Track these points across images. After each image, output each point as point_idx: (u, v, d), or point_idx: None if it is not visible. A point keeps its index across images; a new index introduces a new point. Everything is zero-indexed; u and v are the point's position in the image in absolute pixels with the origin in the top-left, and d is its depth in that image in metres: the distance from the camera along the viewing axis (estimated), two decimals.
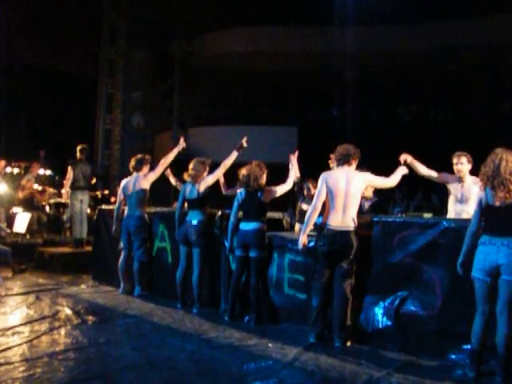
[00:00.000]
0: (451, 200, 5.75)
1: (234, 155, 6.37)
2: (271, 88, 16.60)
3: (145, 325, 5.51)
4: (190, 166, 6.35)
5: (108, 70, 18.03)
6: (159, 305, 6.42)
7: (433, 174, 5.70)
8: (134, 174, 7.15)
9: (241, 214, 5.85)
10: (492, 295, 3.91)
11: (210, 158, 6.64)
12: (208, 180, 6.31)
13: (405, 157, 5.47)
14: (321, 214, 4.97)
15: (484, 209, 4.00)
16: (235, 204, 5.86)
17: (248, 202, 5.75)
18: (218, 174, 6.38)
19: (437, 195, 10.19)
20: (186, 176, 6.40)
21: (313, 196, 6.55)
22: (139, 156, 7.28)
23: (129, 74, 17.87)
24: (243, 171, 5.80)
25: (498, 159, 3.93)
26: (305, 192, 6.73)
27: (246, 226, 5.70)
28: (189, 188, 6.34)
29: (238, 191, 5.90)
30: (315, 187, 6.54)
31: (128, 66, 17.85)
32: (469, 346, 4.08)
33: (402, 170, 5.27)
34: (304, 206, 6.58)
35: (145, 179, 7.07)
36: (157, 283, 7.05)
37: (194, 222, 6.21)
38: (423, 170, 5.67)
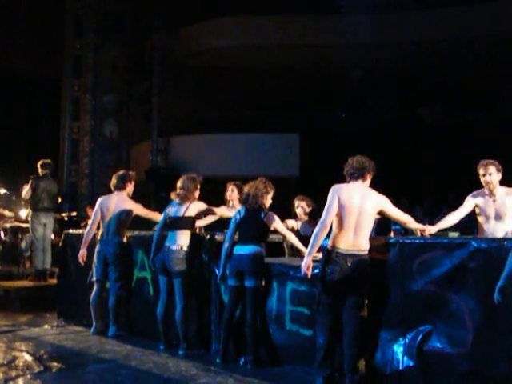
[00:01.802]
0: (481, 219, 5.82)
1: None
2: (268, 88, 16.68)
3: (121, 371, 5.51)
4: (179, 185, 6.43)
5: (73, 70, 18.09)
6: (138, 346, 6.43)
7: (462, 212, 5.77)
8: (116, 192, 7.20)
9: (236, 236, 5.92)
10: None
11: (201, 175, 6.74)
12: (202, 208, 6.41)
13: (428, 232, 5.50)
14: (327, 236, 5.02)
15: None
16: (232, 224, 5.94)
17: (247, 222, 5.82)
18: (219, 213, 6.53)
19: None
20: (173, 195, 6.47)
21: (307, 215, 6.68)
22: (121, 172, 7.35)
23: (99, 73, 17.97)
24: (245, 188, 5.92)
25: None
26: (297, 211, 6.76)
27: (242, 250, 5.75)
28: (174, 208, 6.41)
29: (237, 209, 5.98)
30: (310, 206, 6.66)
31: (98, 65, 17.94)
32: None
33: (415, 224, 5.30)
34: (290, 223, 6.58)
35: (131, 201, 7.12)
36: (136, 321, 7.07)
37: (174, 247, 6.25)
38: (451, 221, 5.74)
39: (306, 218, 6.74)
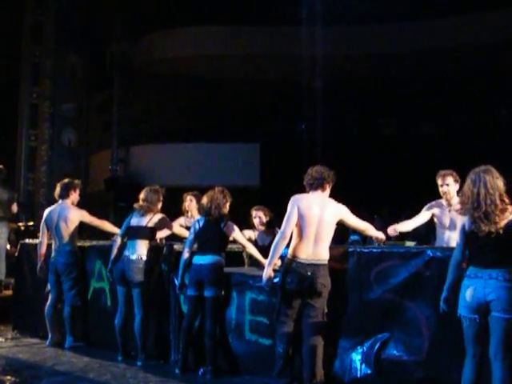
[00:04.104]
0: (438, 228, 5.94)
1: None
2: (229, 98, 16.74)
3: (78, 383, 5.43)
4: (142, 196, 6.41)
5: (32, 77, 17.86)
6: (96, 358, 6.36)
7: (417, 221, 5.89)
8: (60, 201, 7.12)
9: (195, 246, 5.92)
10: (483, 335, 3.97)
11: (162, 185, 6.73)
12: (164, 221, 6.40)
13: (392, 232, 5.64)
14: (287, 246, 5.05)
15: (468, 237, 4.11)
16: (191, 233, 5.93)
17: (206, 232, 5.82)
18: (179, 232, 6.50)
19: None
20: (136, 206, 6.44)
21: (264, 225, 6.72)
22: (66, 180, 7.24)
23: (58, 81, 17.77)
24: (204, 198, 5.90)
25: (477, 188, 4.02)
26: (254, 221, 6.79)
27: (201, 260, 5.74)
28: (136, 218, 6.40)
29: (195, 219, 5.97)
30: (267, 216, 6.70)
31: (57, 72, 17.74)
32: None
33: (374, 232, 5.34)
34: (247, 233, 6.60)
35: (74, 209, 7.04)
36: (93, 332, 7.00)
37: (133, 257, 6.22)
38: (411, 225, 5.86)
39: (263, 228, 6.76)
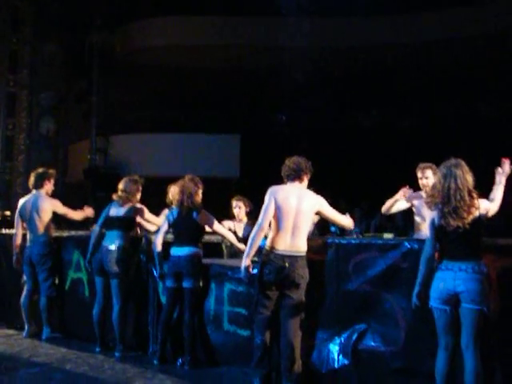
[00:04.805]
0: (417, 220, 6.00)
1: None
2: (209, 89, 16.68)
3: (55, 375, 5.44)
4: (120, 187, 6.39)
5: (9, 65, 17.65)
6: (73, 349, 6.36)
7: (401, 204, 5.95)
8: (34, 191, 7.06)
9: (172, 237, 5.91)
10: (454, 326, 4.08)
11: (141, 175, 6.70)
12: (143, 212, 6.36)
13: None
14: (265, 237, 5.06)
15: (437, 231, 4.19)
16: (164, 224, 5.93)
17: (181, 223, 5.81)
18: (156, 221, 6.42)
19: (401, 214, 10.52)
20: (114, 197, 6.41)
21: (245, 216, 6.73)
22: (40, 170, 7.19)
23: (36, 69, 17.57)
24: (175, 188, 5.86)
25: (448, 182, 4.11)
26: (235, 211, 6.80)
27: (179, 252, 5.74)
28: (115, 209, 6.37)
29: (169, 210, 5.95)
30: (247, 206, 6.71)
31: (35, 60, 17.55)
32: None
33: (349, 222, 5.34)
34: (226, 224, 6.63)
35: (47, 199, 6.99)
36: (71, 323, 6.99)
37: (112, 247, 6.21)
38: (391, 202, 5.92)
39: (244, 218, 6.77)
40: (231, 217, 6.85)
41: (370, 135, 16.32)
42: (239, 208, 6.79)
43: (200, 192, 5.89)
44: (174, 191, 5.88)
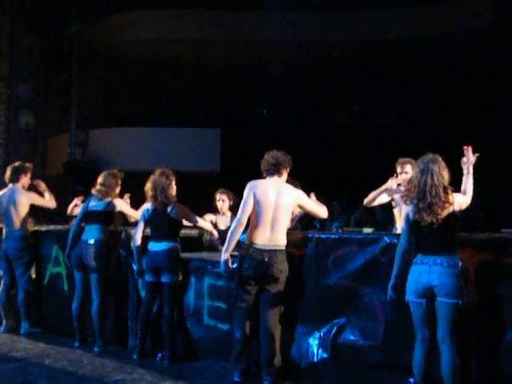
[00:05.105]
0: (397, 213, 6.02)
1: None
2: (190, 83, 16.61)
3: (33, 370, 5.38)
4: (100, 181, 6.34)
5: None
6: (52, 344, 6.32)
7: (382, 197, 5.93)
8: (10, 185, 6.99)
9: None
10: (430, 319, 4.12)
11: (121, 169, 6.65)
12: (123, 206, 6.33)
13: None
14: (244, 231, 5.05)
15: (412, 225, 4.22)
16: (141, 220, 5.92)
17: (156, 219, 5.80)
18: (135, 215, 6.36)
19: (381, 208, 10.57)
20: (93, 191, 6.37)
21: (229, 209, 6.72)
22: (17, 164, 7.11)
23: (15, 62, 17.36)
24: (147, 184, 5.84)
25: (424, 178, 4.13)
26: (218, 204, 6.80)
27: (156, 247, 5.73)
28: (94, 203, 6.33)
29: (145, 206, 5.93)
30: (231, 199, 6.70)
31: (14, 53, 17.34)
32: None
33: (323, 211, 5.32)
34: (207, 217, 6.62)
35: (24, 192, 6.92)
36: (50, 317, 6.93)
37: (91, 242, 6.16)
38: (374, 194, 5.90)
39: (227, 212, 6.76)
40: (213, 211, 6.83)
41: (349, 130, 16.39)
42: (222, 201, 6.76)
43: (173, 185, 5.84)
44: (146, 187, 5.85)
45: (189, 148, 15.48)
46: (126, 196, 6.73)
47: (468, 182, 4.38)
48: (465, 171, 4.40)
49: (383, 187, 5.86)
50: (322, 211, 5.25)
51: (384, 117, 16.95)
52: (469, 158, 4.42)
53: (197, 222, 6.00)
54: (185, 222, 5.97)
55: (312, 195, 5.38)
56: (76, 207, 6.85)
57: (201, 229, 6.18)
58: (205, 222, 6.17)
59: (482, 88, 15.19)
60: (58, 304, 6.80)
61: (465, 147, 4.44)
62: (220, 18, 15.85)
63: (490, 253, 4.26)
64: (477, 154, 4.42)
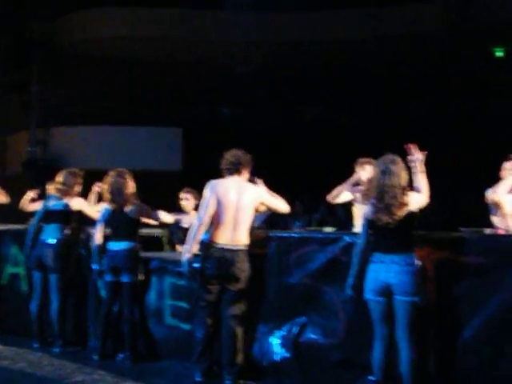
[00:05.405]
0: (357, 213, 6.07)
1: None
2: (152, 81, 16.50)
3: None
4: (59, 179, 6.27)
5: None
6: (10, 345, 6.23)
7: (344, 195, 5.94)
8: None
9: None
10: (389, 317, 4.17)
11: (82, 169, 6.57)
12: (83, 205, 6.24)
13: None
14: (207, 231, 5.03)
15: (369, 225, 4.27)
16: (99, 220, 5.88)
17: (115, 220, 5.77)
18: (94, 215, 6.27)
19: (343, 208, 10.65)
20: (52, 189, 6.27)
21: (194, 209, 6.69)
22: None
23: None
24: (104, 186, 5.81)
25: (383, 179, 4.16)
26: (182, 204, 6.77)
27: (115, 246, 5.69)
28: (53, 202, 6.25)
29: (105, 205, 5.87)
30: (196, 198, 6.66)
31: None
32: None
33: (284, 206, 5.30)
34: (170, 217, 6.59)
35: None
36: (8, 318, 6.81)
37: (51, 241, 6.10)
38: (338, 191, 5.91)
39: (192, 211, 6.72)
40: (176, 210, 6.78)
41: (312, 130, 16.48)
42: (187, 200, 6.71)
43: (130, 184, 5.78)
44: (103, 189, 5.80)
45: (150, 147, 15.42)
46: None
47: (421, 180, 4.35)
48: (414, 170, 4.39)
49: (347, 182, 5.88)
50: (283, 206, 5.24)
51: (346, 117, 17.10)
52: (414, 156, 4.38)
53: (158, 217, 5.97)
54: (148, 221, 5.93)
55: (258, 181, 5.31)
56: (32, 203, 6.71)
57: (166, 226, 6.14)
58: (167, 215, 6.09)
59: (436, 90, 15.48)
60: (17, 305, 6.69)
61: (407, 146, 4.43)
62: (182, 16, 15.80)
63: (449, 251, 4.30)
64: (425, 152, 4.44)
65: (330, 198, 6.03)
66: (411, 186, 4.30)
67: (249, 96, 16.04)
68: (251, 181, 5.19)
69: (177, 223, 6.51)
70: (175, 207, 6.81)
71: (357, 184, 5.92)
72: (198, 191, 6.27)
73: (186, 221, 6.64)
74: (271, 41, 15.69)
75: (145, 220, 5.95)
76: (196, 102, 17.06)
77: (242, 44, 15.24)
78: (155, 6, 15.81)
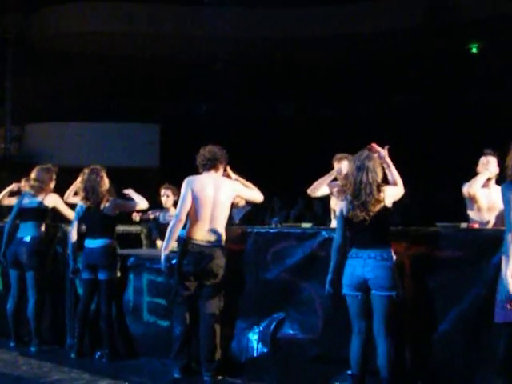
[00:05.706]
0: (334, 208, 6.07)
1: None
2: (129, 77, 16.40)
3: None
4: (33, 176, 6.19)
5: None
6: None
7: (323, 189, 5.90)
8: None
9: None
10: (366, 312, 4.19)
11: (56, 165, 6.49)
12: (58, 201, 6.17)
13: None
14: (184, 227, 5.01)
15: (346, 221, 4.28)
16: (75, 218, 5.84)
17: (90, 217, 5.72)
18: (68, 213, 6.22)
19: (320, 203, 10.69)
20: (26, 186, 6.20)
21: (173, 205, 6.67)
22: None
23: None
24: (78, 184, 5.78)
25: (360, 176, 4.16)
26: (162, 200, 6.74)
27: (92, 244, 5.65)
28: (28, 199, 6.17)
29: (79, 204, 5.83)
30: (175, 195, 6.64)
31: None
32: None
33: (258, 195, 5.27)
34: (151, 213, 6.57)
35: None
36: None
37: (27, 239, 6.04)
38: (319, 184, 5.85)
39: (171, 207, 6.72)
40: (155, 206, 6.77)
41: (289, 125, 16.51)
42: (167, 196, 6.74)
43: (104, 181, 5.72)
44: (77, 187, 5.75)
45: (128, 143, 15.34)
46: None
47: (393, 174, 4.37)
48: (384, 165, 4.41)
49: (328, 175, 5.85)
50: (258, 196, 5.24)
51: (323, 112, 17.17)
52: (377, 152, 4.40)
53: (134, 206, 5.93)
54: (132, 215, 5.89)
55: (232, 175, 5.30)
56: (10, 197, 6.61)
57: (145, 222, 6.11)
58: (141, 200, 5.95)
59: (421, 86, 15.59)
60: None
61: (369, 146, 4.43)
62: (158, 11, 15.74)
63: (425, 246, 4.33)
64: (386, 146, 4.44)
65: (309, 190, 6.01)
66: (386, 181, 4.32)
67: (226, 92, 16.02)
68: (226, 175, 5.19)
69: (156, 219, 6.49)
70: (154, 203, 6.78)
71: (335, 179, 5.92)
72: (177, 187, 6.26)
73: (166, 217, 6.64)
74: (248, 37, 15.69)
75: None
76: (174, 99, 17.01)
77: (218, 40, 15.20)
78: (130, 0, 15.72)
